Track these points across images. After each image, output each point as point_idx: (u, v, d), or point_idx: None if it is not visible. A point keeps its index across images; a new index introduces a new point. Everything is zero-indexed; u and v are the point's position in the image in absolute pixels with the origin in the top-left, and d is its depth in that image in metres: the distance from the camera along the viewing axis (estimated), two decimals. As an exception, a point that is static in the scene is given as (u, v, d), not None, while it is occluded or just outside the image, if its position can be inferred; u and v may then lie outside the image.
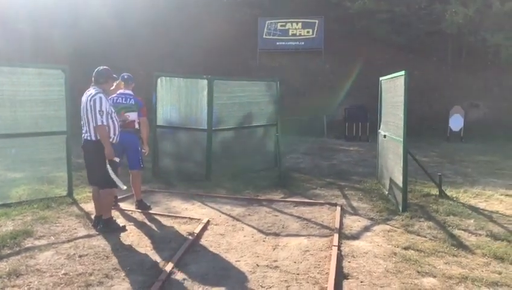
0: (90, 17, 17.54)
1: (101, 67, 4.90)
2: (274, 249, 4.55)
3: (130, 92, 5.87)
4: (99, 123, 4.63)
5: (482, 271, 4.04)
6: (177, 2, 20.01)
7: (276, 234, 5.02)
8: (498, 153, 11.76)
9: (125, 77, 5.92)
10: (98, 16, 17.61)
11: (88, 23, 17.32)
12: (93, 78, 4.84)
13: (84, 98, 4.78)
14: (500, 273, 3.99)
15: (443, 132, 15.34)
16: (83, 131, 4.80)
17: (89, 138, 4.75)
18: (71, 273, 3.82)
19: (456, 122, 15.38)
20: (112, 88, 5.25)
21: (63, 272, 3.86)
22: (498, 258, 4.33)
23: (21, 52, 15.63)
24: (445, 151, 12.40)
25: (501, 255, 4.38)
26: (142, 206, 5.88)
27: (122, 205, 6.07)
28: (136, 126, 5.80)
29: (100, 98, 4.66)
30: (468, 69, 17.88)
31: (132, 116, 5.73)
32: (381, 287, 3.68)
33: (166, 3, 19.94)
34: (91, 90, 4.78)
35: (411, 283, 3.75)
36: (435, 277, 3.90)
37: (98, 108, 4.62)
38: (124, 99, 5.77)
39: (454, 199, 6.75)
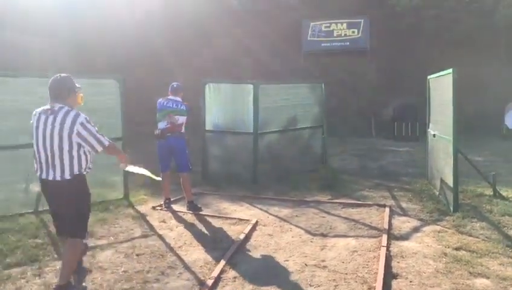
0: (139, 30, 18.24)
1: (61, 76, 3.61)
2: (322, 249, 4.62)
3: (179, 98, 6.16)
4: (106, 144, 3.58)
5: (540, 273, 3.91)
6: (222, 8, 20.42)
7: (324, 235, 5.08)
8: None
9: (174, 86, 6.23)
10: (146, 27, 18.29)
11: (139, 33, 18.03)
12: (52, 92, 3.54)
13: (44, 121, 3.46)
14: (558, 275, 3.86)
15: (497, 129, 14.71)
16: (41, 169, 3.54)
17: (59, 178, 3.48)
18: (130, 271, 4.08)
19: (511, 119, 14.69)
20: (80, 103, 3.73)
21: (122, 269, 4.13)
22: (557, 260, 4.18)
23: (75, 62, 16.50)
24: (500, 149, 11.90)
25: (560, 257, 4.22)
26: (193, 207, 6.12)
27: (175, 207, 6.32)
28: (183, 130, 6.09)
29: (86, 118, 3.50)
30: (524, 63, 17.02)
31: (181, 119, 6.05)
32: (431, 287, 3.66)
33: (210, 10, 20.41)
34: (59, 111, 3.45)
35: (462, 284, 3.71)
36: (488, 278, 3.83)
37: (94, 130, 3.52)
38: (174, 104, 6.08)
39: (510, 199, 6.51)
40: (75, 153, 3.46)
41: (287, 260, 4.32)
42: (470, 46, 17.62)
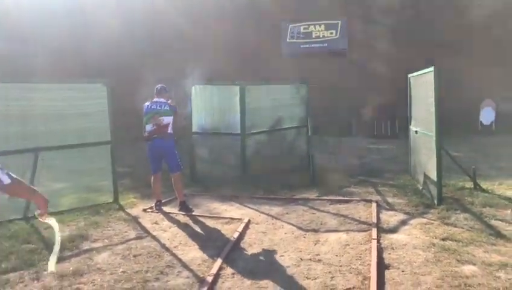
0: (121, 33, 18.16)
1: None
2: (315, 244, 4.76)
3: (163, 99, 6.24)
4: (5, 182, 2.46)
5: (522, 258, 4.13)
6: (199, 10, 20.46)
7: (316, 230, 5.22)
8: (532, 145, 11.61)
9: (158, 88, 6.33)
10: (129, 28, 18.21)
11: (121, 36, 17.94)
12: None
13: None
14: (539, 259, 4.08)
15: (474, 126, 15.19)
16: None
17: None
18: (129, 271, 4.13)
19: (487, 115, 15.23)
20: None
21: (121, 270, 4.17)
22: (537, 246, 4.41)
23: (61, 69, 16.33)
24: (477, 145, 12.32)
25: (540, 243, 4.46)
26: (185, 208, 6.18)
27: (166, 209, 6.37)
28: (170, 130, 6.12)
29: None
30: (497, 61, 17.58)
31: (166, 120, 6.10)
32: (422, 275, 3.83)
33: (190, 13, 20.43)
34: None
35: (451, 271, 3.89)
36: (474, 264, 4.02)
37: None
38: (157, 105, 6.17)
39: (490, 191, 6.79)
40: None
41: (283, 255, 4.44)
42: (446, 46, 18.12)
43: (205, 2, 20.38)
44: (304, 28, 20.11)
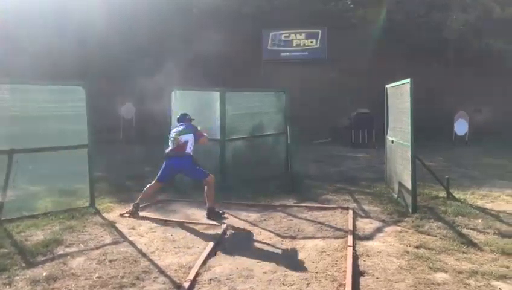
0: (98, 36, 17.98)
1: None
2: (291, 250, 4.80)
3: (184, 123, 6.45)
4: None
5: (491, 266, 4.27)
6: (181, 16, 20.44)
7: (293, 237, 5.27)
8: (503, 156, 11.97)
9: (178, 116, 6.67)
10: (105, 33, 18.04)
11: (96, 40, 17.76)
12: None
13: None
14: (508, 267, 4.23)
15: (448, 136, 15.57)
16: None
17: None
18: (104, 277, 4.09)
19: (460, 126, 15.63)
20: None
21: (96, 275, 4.12)
22: (506, 254, 4.57)
23: (32, 70, 16.04)
24: (451, 155, 12.62)
25: (508, 251, 4.62)
26: (214, 214, 6.19)
27: (143, 214, 6.31)
28: (187, 150, 6.17)
29: None
30: (471, 74, 18.10)
31: (184, 138, 6.19)
32: (396, 282, 3.92)
33: (171, 18, 20.38)
34: None
35: (424, 278, 3.99)
36: (446, 272, 4.14)
37: None
38: (177, 128, 6.42)
39: (462, 200, 6.98)
40: None
41: (259, 262, 4.46)
42: (421, 58, 18.56)
43: (186, 8, 20.41)
44: (285, 36, 20.32)
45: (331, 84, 18.98)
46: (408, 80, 6.12)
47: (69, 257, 4.63)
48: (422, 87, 16.49)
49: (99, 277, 4.08)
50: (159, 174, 6.33)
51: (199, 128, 6.46)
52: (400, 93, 6.81)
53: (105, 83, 16.11)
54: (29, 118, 6.15)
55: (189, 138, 6.21)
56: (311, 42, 20.09)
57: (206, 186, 6.24)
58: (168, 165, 6.25)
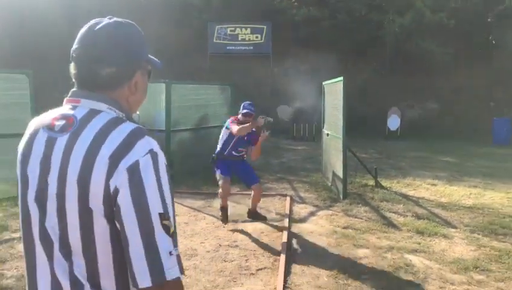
0: (38, 18, 17.40)
1: (109, 22, 1.20)
2: (233, 232, 5.21)
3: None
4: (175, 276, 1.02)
5: (406, 242, 4.91)
6: (129, 6, 20.18)
7: (235, 221, 5.67)
8: (429, 150, 13.10)
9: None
10: (45, 17, 17.49)
11: (36, 24, 17.19)
12: (80, 69, 1.16)
13: (45, 153, 1.10)
14: (419, 243, 4.89)
15: (382, 131, 16.66)
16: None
17: None
18: (54, 258, 4.28)
19: (393, 122, 16.78)
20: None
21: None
22: (419, 233, 5.24)
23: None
24: (383, 148, 13.59)
25: (422, 230, 5.30)
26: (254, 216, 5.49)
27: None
28: (219, 146, 5.37)
29: (155, 152, 1.08)
30: (404, 73, 19.38)
31: (222, 133, 5.37)
32: (324, 257, 4.45)
33: (118, 8, 20.07)
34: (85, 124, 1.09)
35: (348, 253, 4.55)
36: (368, 248, 4.72)
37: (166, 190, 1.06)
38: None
39: (388, 188, 7.72)
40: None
41: (203, 242, 4.84)
42: (361, 56, 19.62)
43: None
44: (231, 30, 20.63)
45: (275, 79, 19.59)
46: (341, 78, 6.69)
47: (15, 241, 4.74)
48: (359, 84, 17.56)
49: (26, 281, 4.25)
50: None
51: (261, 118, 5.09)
52: (334, 90, 7.40)
53: (48, 69, 15.68)
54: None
55: (223, 133, 5.31)
56: (256, 37, 20.55)
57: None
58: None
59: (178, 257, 1.03)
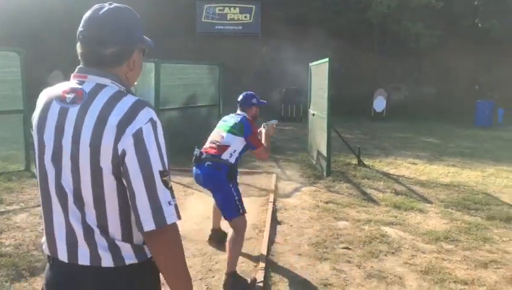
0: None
1: (110, 7, 1.40)
2: (221, 206, 5.46)
3: (243, 113, 4.08)
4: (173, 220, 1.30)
5: (383, 216, 5.21)
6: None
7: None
8: (413, 131, 13.44)
9: (241, 97, 4.26)
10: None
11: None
12: (85, 47, 1.38)
13: (58, 120, 1.31)
14: (396, 217, 5.19)
15: (368, 112, 16.96)
16: (51, 240, 1.42)
17: (88, 262, 1.31)
18: (49, 229, 4.49)
19: (379, 103, 17.07)
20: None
21: (41, 228, 4.51)
22: (396, 207, 5.55)
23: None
24: (369, 129, 13.90)
25: (399, 205, 5.61)
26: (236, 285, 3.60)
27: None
28: (226, 157, 3.69)
29: (154, 120, 1.30)
30: (391, 55, 19.61)
31: (228, 138, 3.77)
32: (306, 228, 4.73)
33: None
34: (94, 95, 1.31)
35: (329, 225, 4.83)
36: (347, 220, 5.01)
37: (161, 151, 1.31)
38: (229, 117, 4.07)
39: (371, 167, 8.02)
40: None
41: (192, 216, 5.08)
42: (349, 37, 19.74)
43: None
44: (219, 10, 20.57)
45: (264, 59, 19.69)
46: (327, 59, 6.89)
47: (11, 213, 4.94)
48: (347, 65, 17.76)
49: (44, 229, 4.46)
50: None
51: (262, 128, 4.24)
52: (320, 71, 7.61)
53: (39, 47, 15.61)
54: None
55: (235, 142, 3.76)
56: (245, 17, 20.55)
57: (232, 230, 3.61)
58: (194, 178, 4.01)
59: (175, 206, 1.29)
